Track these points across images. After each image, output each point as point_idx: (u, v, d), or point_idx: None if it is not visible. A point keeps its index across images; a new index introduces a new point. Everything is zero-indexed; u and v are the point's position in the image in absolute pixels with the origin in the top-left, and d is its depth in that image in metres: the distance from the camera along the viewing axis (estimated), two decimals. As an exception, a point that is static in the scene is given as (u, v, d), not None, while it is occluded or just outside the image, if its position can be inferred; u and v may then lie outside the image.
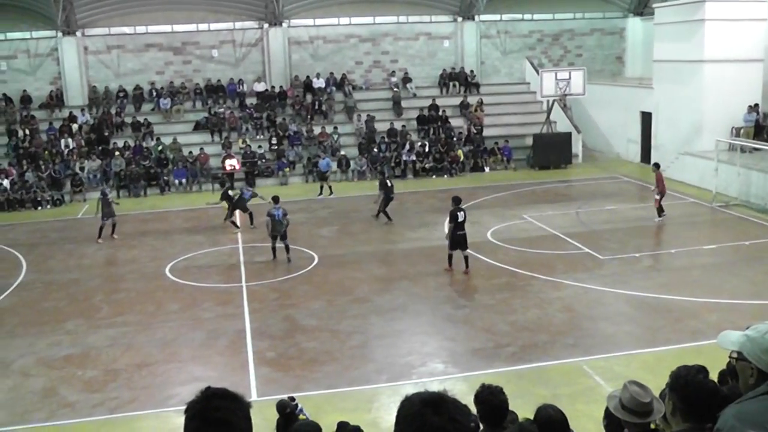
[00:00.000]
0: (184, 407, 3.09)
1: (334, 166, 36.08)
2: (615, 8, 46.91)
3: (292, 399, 10.47)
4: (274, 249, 23.38)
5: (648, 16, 42.47)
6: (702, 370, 4.44)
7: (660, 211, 26.36)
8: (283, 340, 17.15)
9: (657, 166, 27.16)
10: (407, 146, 37.94)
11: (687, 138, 33.32)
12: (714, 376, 5.26)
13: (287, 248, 23.28)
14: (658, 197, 26.29)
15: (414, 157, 37.44)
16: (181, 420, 3.08)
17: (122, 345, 17.20)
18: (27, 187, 33.91)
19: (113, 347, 17.10)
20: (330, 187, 33.25)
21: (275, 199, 23.77)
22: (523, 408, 7.52)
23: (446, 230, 21.94)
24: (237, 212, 27.75)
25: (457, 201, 21.42)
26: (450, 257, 21.54)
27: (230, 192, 28.42)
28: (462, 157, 37.80)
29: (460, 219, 21.09)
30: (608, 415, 5.41)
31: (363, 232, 27.07)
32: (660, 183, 26.19)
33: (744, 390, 3.70)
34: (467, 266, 21.43)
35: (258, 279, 21.71)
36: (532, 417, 6.53)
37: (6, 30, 39.70)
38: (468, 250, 21.56)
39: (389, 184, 28.09)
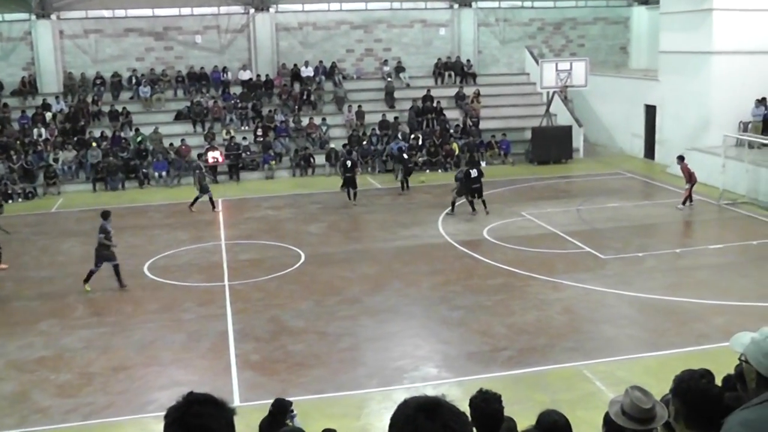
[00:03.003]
0: (163, 413, 3.10)
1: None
2: (620, -4, 46.94)
3: (290, 403, 10.43)
4: (471, 203, 27.45)
5: (654, 5, 42.28)
6: (706, 375, 4.47)
7: (688, 200, 27.38)
8: (269, 342, 17.12)
9: (681, 158, 27.87)
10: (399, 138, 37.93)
11: (693, 133, 33.39)
12: (719, 381, 5.28)
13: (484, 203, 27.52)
14: (688, 186, 27.11)
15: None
16: (160, 427, 3.08)
17: (98, 347, 17.15)
18: (-3, 180, 33.83)
19: (88, 349, 17.05)
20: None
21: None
22: (521, 414, 7.51)
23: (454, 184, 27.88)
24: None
25: (474, 163, 28.31)
26: (453, 203, 27.41)
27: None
28: (457, 151, 37.69)
29: (473, 175, 26.88)
30: (608, 421, 5.42)
31: (353, 229, 27.09)
32: (686, 173, 27.09)
33: (750, 395, 3.74)
34: (486, 208, 27.29)
35: (242, 278, 21.66)
36: (530, 424, 6.53)
37: (-24, 13, 39.49)
38: (483, 197, 27.35)
39: (472, 176, 27.49)
